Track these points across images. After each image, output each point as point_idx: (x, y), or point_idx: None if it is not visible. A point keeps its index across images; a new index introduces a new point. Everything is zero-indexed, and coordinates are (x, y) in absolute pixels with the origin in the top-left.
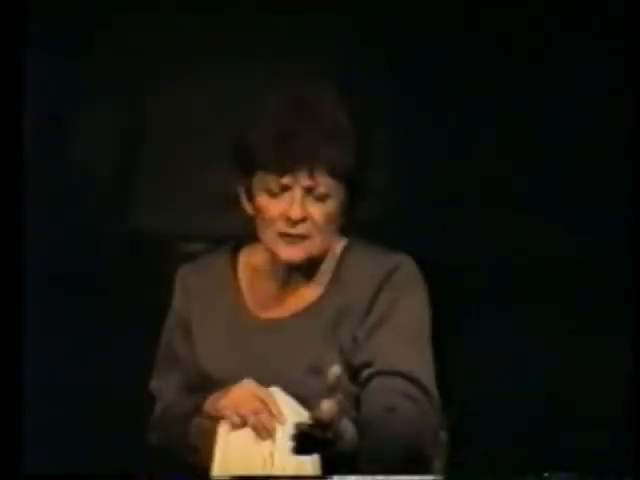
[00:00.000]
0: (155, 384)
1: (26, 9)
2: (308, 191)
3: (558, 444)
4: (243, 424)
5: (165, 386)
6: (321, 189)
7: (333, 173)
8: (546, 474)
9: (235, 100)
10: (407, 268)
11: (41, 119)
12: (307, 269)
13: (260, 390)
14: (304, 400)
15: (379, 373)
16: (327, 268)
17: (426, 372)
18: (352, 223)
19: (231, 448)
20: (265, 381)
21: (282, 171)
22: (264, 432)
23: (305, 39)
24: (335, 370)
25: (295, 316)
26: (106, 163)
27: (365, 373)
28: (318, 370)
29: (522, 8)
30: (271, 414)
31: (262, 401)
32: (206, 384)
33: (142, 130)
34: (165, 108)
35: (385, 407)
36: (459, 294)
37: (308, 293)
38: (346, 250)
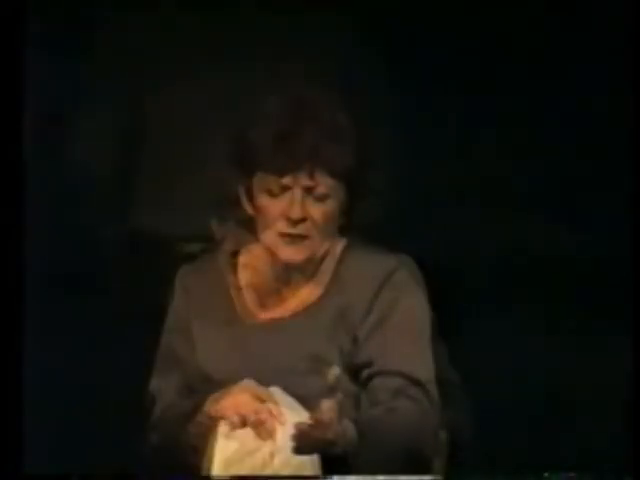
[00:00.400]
0: (155, 384)
1: (26, 9)
2: (308, 191)
3: (558, 444)
4: (243, 424)
5: (165, 386)
6: (321, 189)
7: (333, 173)
8: (546, 474)
9: (235, 100)
10: (407, 268)
11: (41, 119)
12: (307, 269)
13: (260, 390)
14: (304, 400)
15: (379, 373)
16: (327, 268)
17: (426, 372)
18: (352, 223)
19: (231, 448)
20: (265, 381)
21: (282, 171)
22: (264, 432)
23: (305, 39)
24: (335, 370)
25: (295, 316)
26: (106, 163)
27: (365, 373)
28: (318, 370)
29: (522, 8)
30: (271, 414)
31: (262, 401)
32: (206, 384)
33: (142, 130)
34: (165, 108)
35: (385, 407)
36: (459, 294)
37: (308, 293)
38: (346, 250)
